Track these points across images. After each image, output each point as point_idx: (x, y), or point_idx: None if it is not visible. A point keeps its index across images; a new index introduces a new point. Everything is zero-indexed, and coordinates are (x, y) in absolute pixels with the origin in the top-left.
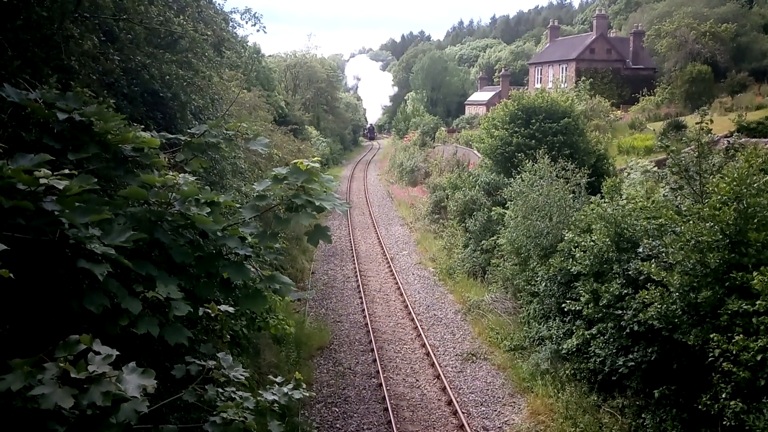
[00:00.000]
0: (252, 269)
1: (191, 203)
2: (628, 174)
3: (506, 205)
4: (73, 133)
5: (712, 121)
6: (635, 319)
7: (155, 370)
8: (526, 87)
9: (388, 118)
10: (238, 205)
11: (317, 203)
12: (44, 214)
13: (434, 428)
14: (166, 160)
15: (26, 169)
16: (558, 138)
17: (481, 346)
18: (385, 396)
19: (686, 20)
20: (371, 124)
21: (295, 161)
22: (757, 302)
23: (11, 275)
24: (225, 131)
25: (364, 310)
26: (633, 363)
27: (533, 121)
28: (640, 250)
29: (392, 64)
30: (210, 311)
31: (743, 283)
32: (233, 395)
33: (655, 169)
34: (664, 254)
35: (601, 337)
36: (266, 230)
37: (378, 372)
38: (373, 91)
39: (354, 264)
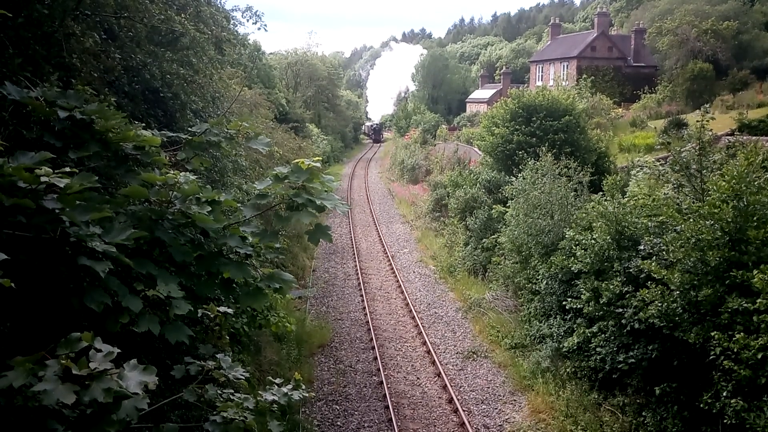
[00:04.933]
0: (253, 269)
1: (192, 202)
2: (637, 172)
3: (507, 204)
4: (74, 131)
5: (713, 118)
6: (636, 317)
7: (156, 369)
8: (527, 85)
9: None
10: (238, 204)
11: (318, 202)
12: (45, 212)
13: (435, 426)
14: (167, 158)
15: (27, 167)
16: (559, 136)
17: (481, 344)
18: (386, 394)
19: (688, 18)
20: (376, 123)
21: (296, 160)
22: (758, 300)
23: (12, 284)
24: (226, 130)
25: (365, 308)
26: (633, 360)
27: (534, 119)
28: (641, 248)
29: None
30: (209, 312)
31: (743, 281)
32: (232, 396)
33: (659, 166)
34: (664, 252)
35: (602, 335)
36: (267, 229)
37: (379, 370)
38: (389, 79)
39: (355, 262)
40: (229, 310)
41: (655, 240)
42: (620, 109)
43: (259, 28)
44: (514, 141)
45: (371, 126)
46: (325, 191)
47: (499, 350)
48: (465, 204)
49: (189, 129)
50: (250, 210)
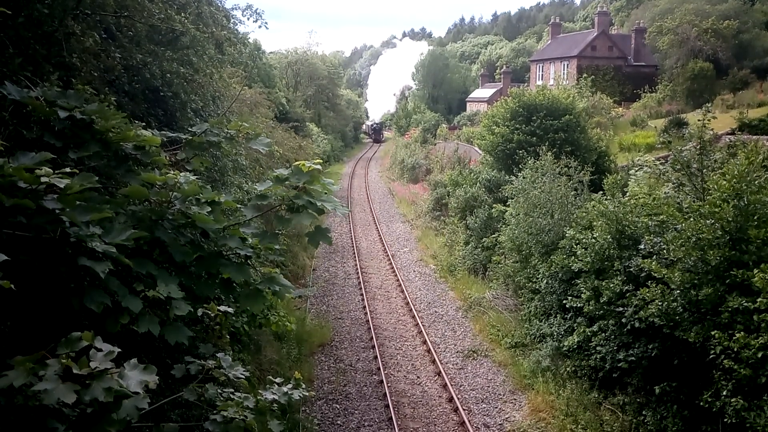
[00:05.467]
0: (252, 271)
1: (192, 202)
2: (637, 171)
3: (507, 203)
4: (74, 131)
5: (714, 117)
6: (636, 316)
7: (156, 368)
8: (527, 84)
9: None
10: (239, 205)
11: (318, 204)
12: (45, 213)
13: (435, 425)
14: (167, 158)
15: (27, 168)
16: (559, 135)
17: (482, 343)
18: (386, 393)
19: (688, 17)
20: (377, 122)
21: (297, 163)
22: (758, 299)
23: (12, 286)
24: (226, 130)
25: (365, 307)
26: (634, 359)
27: (534, 118)
28: (641, 247)
29: None
30: (210, 311)
31: (744, 281)
32: (232, 396)
33: (660, 165)
34: (665, 251)
35: (602, 334)
36: (267, 230)
37: (379, 369)
38: (392, 76)
39: (355, 261)
40: (230, 310)
41: (655, 239)
42: (620, 109)
43: (259, 27)
44: (514, 140)
45: (371, 125)
46: (325, 193)
47: (499, 349)
48: (465, 203)
49: (189, 129)
50: (250, 211)
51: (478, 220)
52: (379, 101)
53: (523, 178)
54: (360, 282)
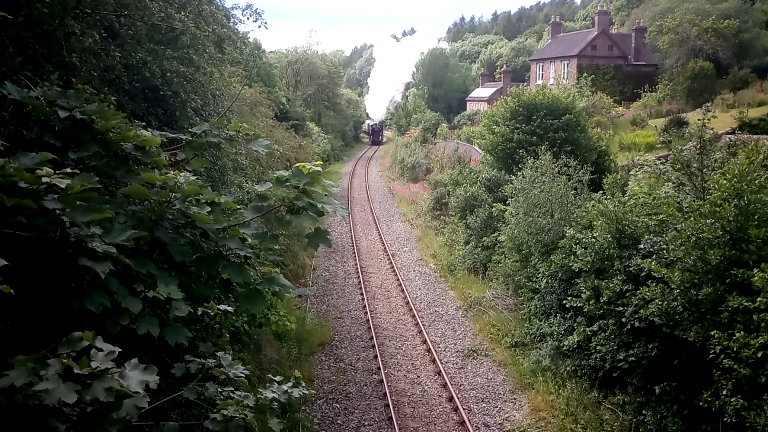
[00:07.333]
0: (252, 271)
1: (192, 202)
2: (637, 171)
3: (507, 202)
4: (75, 131)
5: (714, 117)
6: (636, 316)
7: (157, 367)
8: (527, 83)
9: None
10: (238, 206)
11: (319, 206)
12: (46, 213)
13: (435, 424)
14: (167, 158)
15: (28, 168)
16: (559, 134)
17: (482, 343)
18: (386, 392)
19: (688, 16)
20: (377, 122)
21: (297, 164)
22: (758, 299)
23: (11, 291)
24: (226, 131)
25: (365, 306)
26: (634, 358)
27: (534, 117)
28: (641, 246)
29: None
30: (209, 311)
31: (744, 280)
32: (232, 394)
33: (660, 165)
34: (664, 251)
35: (602, 334)
36: (267, 231)
37: (379, 368)
38: (399, 67)
39: (355, 260)
40: (229, 309)
41: (655, 238)
42: (620, 108)
43: (259, 26)
44: (514, 139)
45: (371, 125)
46: (326, 195)
47: (499, 349)
48: (465, 202)
49: (189, 128)
50: (250, 212)
51: (478, 220)
52: (383, 96)
53: (523, 177)
54: (360, 281)
